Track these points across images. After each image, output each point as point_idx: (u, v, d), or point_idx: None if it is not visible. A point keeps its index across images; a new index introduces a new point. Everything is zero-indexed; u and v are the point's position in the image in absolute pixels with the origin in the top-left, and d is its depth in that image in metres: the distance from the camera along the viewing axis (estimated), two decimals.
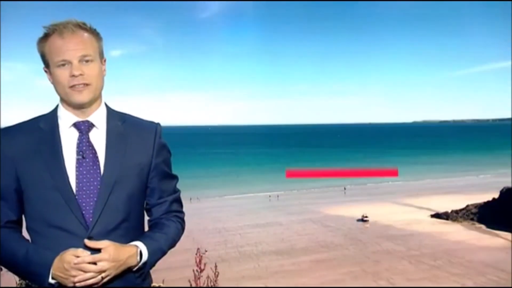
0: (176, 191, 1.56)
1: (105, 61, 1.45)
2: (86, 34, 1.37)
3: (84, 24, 1.38)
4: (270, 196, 41.52)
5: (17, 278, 3.20)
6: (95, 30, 1.40)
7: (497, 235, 26.56)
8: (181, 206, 1.58)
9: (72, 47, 1.34)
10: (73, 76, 1.34)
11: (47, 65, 1.38)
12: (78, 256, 1.26)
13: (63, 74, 1.35)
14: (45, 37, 1.37)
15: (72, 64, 1.34)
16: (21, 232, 1.41)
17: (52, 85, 1.38)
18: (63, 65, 1.34)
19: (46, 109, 1.45)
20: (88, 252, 1.28)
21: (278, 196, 41.47)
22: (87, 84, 1.36)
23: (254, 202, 39.43)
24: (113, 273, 1.30)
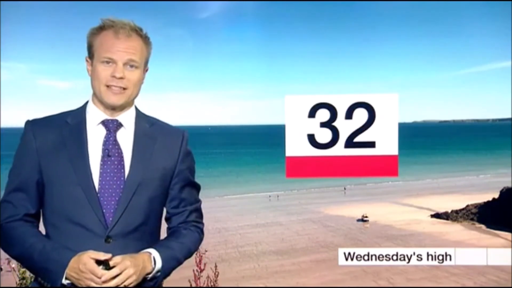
0: (198, 200, 1.53)
1: (147, 70, 1.44)
2: (140, 41, 1.37)
3: (141, 30, 1.38)
4: (270, 196, 41.45)
5: (17, 278, 3.20)
6: (148, 38, 1.40)
7: (497, 235, 26.54)
8: (201, 217, 1.54)
9: (122, 49, 1.33)
10: (114, 76, 1.33)
11: (91, 56, 1.37)
12: (95, 259, 1.22)
13: (104, 71, 1.34)
14: (99, 29, 1.35)
15: (117, 65, 1.33)
16: (38, 226, 1.39)
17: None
18: (108, 62, 1.33)
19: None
20: (109, 255, 1.24)
21: (278, 196, 41.41)
22: (124, 89, 1.35)
23: (254, 202, 39.39)
24: (136, 279, 1.26)
